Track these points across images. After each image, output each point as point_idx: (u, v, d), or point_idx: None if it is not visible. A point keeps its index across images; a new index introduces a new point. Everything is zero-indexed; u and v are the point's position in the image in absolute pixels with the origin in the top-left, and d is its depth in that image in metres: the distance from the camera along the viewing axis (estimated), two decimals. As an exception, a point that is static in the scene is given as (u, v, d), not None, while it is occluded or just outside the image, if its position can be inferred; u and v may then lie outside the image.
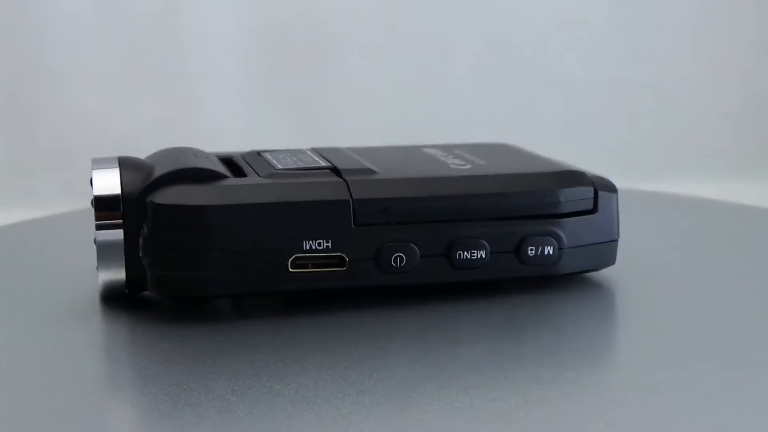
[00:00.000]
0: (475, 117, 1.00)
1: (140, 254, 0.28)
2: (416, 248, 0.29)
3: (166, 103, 0.97)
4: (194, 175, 0.28)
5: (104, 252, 0.29)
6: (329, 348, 0.27)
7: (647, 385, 0.25)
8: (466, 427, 0.22)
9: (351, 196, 0.28)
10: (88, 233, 0.29)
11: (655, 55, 1.01)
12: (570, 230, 0.30)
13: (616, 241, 0.31)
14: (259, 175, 0.29)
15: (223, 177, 0.29)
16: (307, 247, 0.28)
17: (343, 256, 0.28)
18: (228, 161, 0.32)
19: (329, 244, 0.28)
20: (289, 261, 0.28)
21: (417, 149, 0.34)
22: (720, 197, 0.46)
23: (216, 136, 0.93)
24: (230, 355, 0.26)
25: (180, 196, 0.28)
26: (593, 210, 0.30)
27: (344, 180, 0.29)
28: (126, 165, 0.29)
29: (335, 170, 0.30)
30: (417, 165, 0.32)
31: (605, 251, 0.31)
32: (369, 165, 0.30)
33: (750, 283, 0.33)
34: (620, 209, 0.31)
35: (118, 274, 0.29)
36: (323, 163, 0.30)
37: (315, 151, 0.33)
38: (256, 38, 0.98)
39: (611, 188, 0.31)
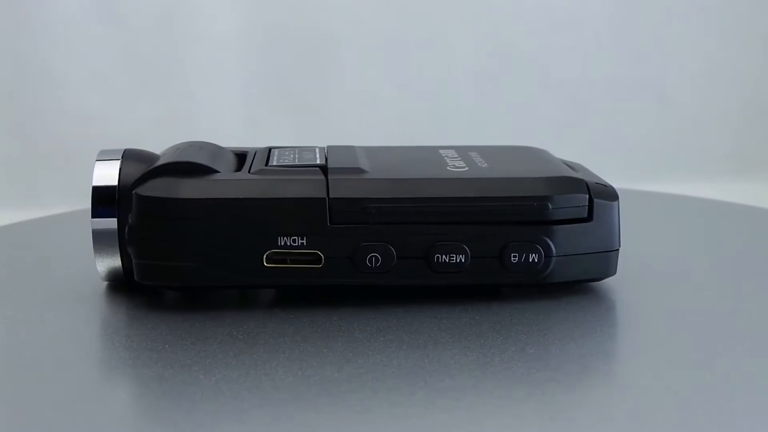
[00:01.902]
0: (475, 117, 1.00)
1: (125, 243, 0.29)
2: (393, 249, 0.28)
3: (166, 103, 0.97)
4: (183, 168, 0.29)
5: (100, 240, 0.30)
6: (277, 344, 0.27)
7: (554, 403, 0.24)
8: (351, 430, 0.22)
9: (328, 195, 0.28)
10: (88, 232, 0.30)
11: (655, 55, 1.02)
12: (560, 238, 0.29)
13: (615, 251, 0.30)
14: (249, 171, 0.30)
15: (212, 171, 0.29)
16: (282, 243, 0.28)
17: (318, 254, 0.29)
18: (241, 157, 0.32)
19: (304, 241, 0.28)
20: (264, 256, 0.28)
21: (432, 150, 0.34)
22: (720, 197, 0.46)
23: (216, 136, 0.93)
24: (183, 344, 0.27)
25: (161, 189, 0.29)
26: (588, 218, 0.29)
27: (325, 178, 0.29)
28: (129, 157, 0.30)
29: (324, 168, 0.30)
30: (413, 166, 0.31)
31: (602, 261, 0.30)
32: (361, 165, 0.30)
33: (750, 285, 0.32)
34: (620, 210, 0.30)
35: (116, 262, 0.30)
36: (318, 161, 0.31)
37: (325, 149, 0.33)
38: (256, 38, 0.98)
39: (611, 196, 0.30)
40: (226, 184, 0.29)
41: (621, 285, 0.31)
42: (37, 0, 0.94)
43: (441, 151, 0.33)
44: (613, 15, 1.00)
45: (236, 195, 0.28)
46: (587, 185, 0.30)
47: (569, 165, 0.32)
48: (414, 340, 0.27)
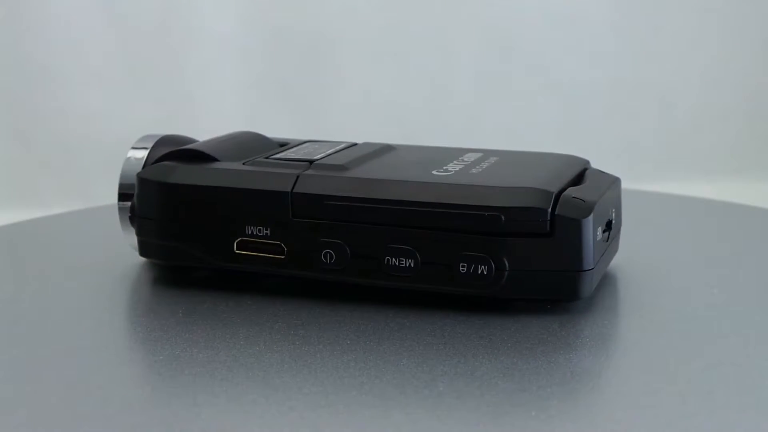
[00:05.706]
0: (475, 117, 1.00)
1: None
2: (347, 248, 0.29)
3: (166, 102, 0.97)
4: (187, 155, 0.32)
5: (123, 219, 0.33)
6: (201, 325, 0.28)
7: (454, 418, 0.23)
8: (232, 428, 0.23)
9: (292, 189, 0.29)
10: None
11: (655, 55, 1.02)
12: (514, 252, 0.27)
13: (585, 271, 0.28)
14: (243, 162, 0.31)
15: (212, 160, 0.31)
16: (249, 232, 0.30)
17: (281, 245, 0.30)
18: (282, 146, 0.34)
19: (268, 232, 0.30)
20: (235, 242, 0.30)
21: (456, 152, 0.33)
22: (720, 197, 0.46)
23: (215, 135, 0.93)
24: (130, 317, 0.30)
25: (156, 173, 0.31)
26: (548, 234, 0.27)
27: (297, 173, 0.30)
28: (162, 144, 0.33)
29: (311, 164, 0.31)
30: (401, 168, 0.31)
31: (566, 281, 0.28)
32: (349, 163, 0.31)
33: (750, 286, 0.32)
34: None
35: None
36: (316, 157, 0.31)
37: (351, 145, 0.34)
38: (256, 38, 0.98)
39: (581, 213, 0.27)
40: (209, 172, 0.31)
41: (614, 286, 0.31)
42: (37, 0, 0.94)
43: (466, 155, 0.33)
44: (614, 15, 1.00)
45: (213, 183, 0.30)
46: (554, 199, 0.28)
47: (585, 176, 0.31)
48: (323, 338, 0.27)
